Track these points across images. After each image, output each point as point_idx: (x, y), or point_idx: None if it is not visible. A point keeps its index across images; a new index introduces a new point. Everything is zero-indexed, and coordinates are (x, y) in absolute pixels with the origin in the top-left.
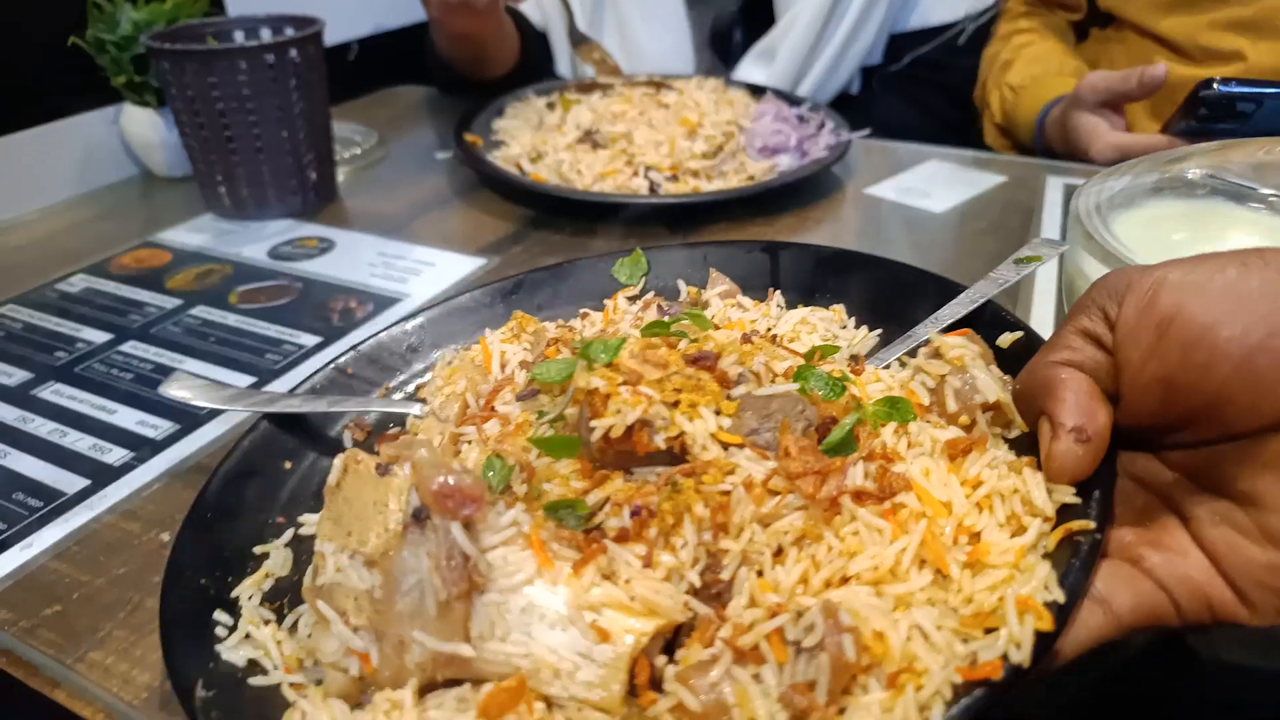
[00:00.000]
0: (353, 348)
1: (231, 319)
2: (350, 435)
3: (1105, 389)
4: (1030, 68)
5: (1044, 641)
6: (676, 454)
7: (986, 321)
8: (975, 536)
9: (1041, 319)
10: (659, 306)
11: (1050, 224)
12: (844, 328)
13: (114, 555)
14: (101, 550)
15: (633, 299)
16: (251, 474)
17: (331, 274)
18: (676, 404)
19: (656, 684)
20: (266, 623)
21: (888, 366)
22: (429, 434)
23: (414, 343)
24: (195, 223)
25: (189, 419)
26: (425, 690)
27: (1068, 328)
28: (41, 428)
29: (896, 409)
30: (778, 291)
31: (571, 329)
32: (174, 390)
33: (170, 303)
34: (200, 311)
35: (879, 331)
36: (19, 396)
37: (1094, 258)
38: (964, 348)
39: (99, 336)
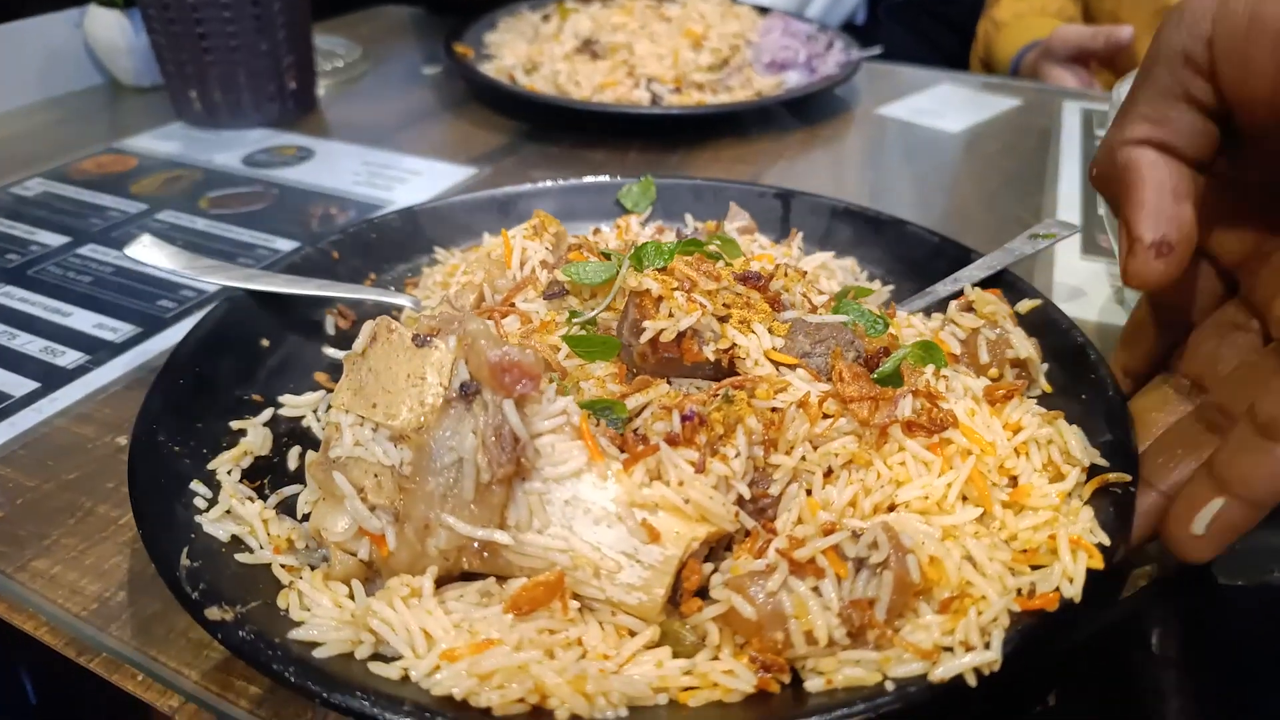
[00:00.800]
0: (341, 231)
1: (201, 223)
2: (334, 321)
3: (1203, 158)
4: (1016, 4)
5: (1093, 580)
6: (723, 368)
7: (1004, 288)
8: (1013, 480)
9: (1061, 295)
10: (678, 232)
11: (1070, 146)
12: (855, 279)
13: (64, 459)
14: (50, 454)
15: (643, 225)
16: (228, 345)
17: (311, 181)
18: (727, 318)
19: (702, 592)
20: (250, 499)
21: (912, 315)
22: None
23: (407, 235)
24: (164, 130)
25: (152, 321)
26: (442, 583)
27: (1145, 90)
28: None
29: (930, 354)
30: (800, 233)
31: (589, 240)
32: (140, 251)
33: (134, 207)
34: (167, 216)
35: (891, 288)
36: None
37: None
38: (997, 304)
39: (55, 240)
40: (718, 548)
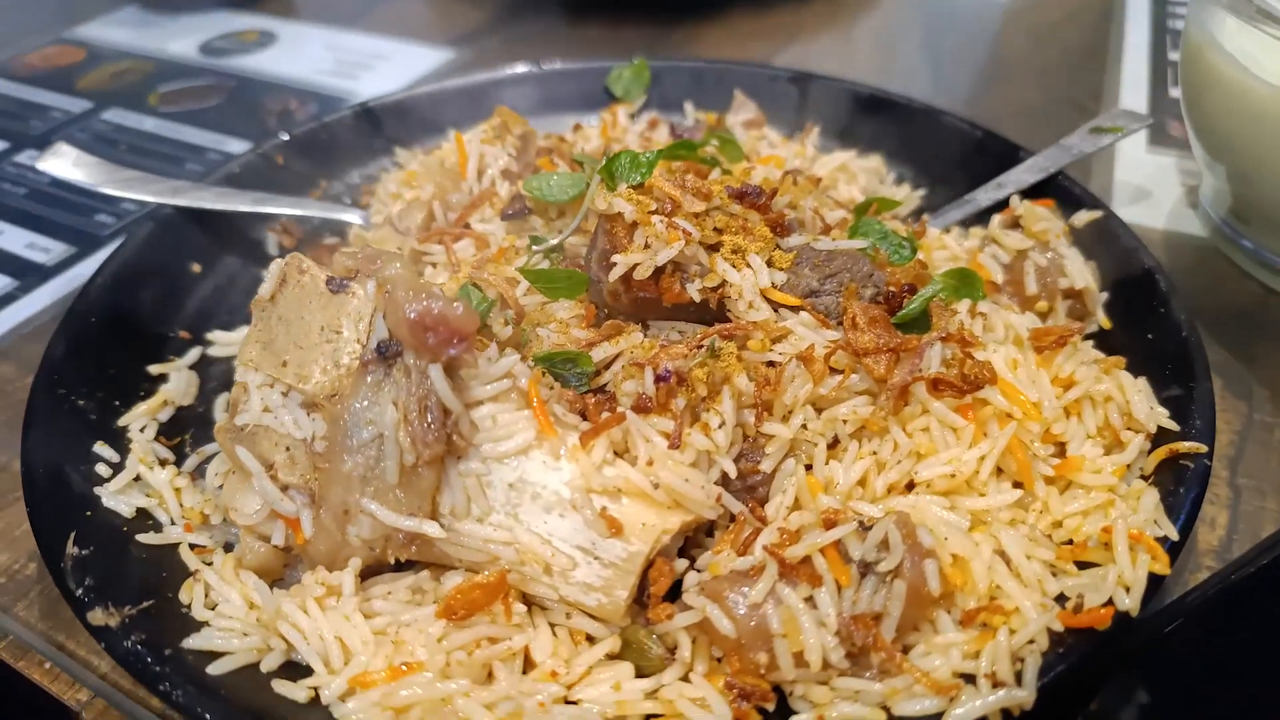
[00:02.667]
0: (288, 133)
1: (149, 123)
2: (277, 240)
3: None
4: None
5: (1154, 586)
6: (712, 309)
7: (1059, 196)
8: (1061, 448)
9: (1123, 198)
10: (671, 126)
11: (1137, 17)
12: (881, 182)
13: None
14: None
15: (633, 116)
16: (149, 273)
17: (271, 71)
18: (717, 247)
19: (677, 589)
20: (163, 463)
21: (947, 231)
22: (383, 247)
23: (363, 135)
24: (117, 15)
25: (87, 240)
26: (372, 573)
27: None
28: None
29: (967, 284)
30: (816, 128)
31: (565, 140)
32: (53, 164)
33: (79, 105)
34: (113, 115)
35: (923, 192)
36: None
37: (1235, 15)
38: (1050, 220)
39: None
40: (698, 533)
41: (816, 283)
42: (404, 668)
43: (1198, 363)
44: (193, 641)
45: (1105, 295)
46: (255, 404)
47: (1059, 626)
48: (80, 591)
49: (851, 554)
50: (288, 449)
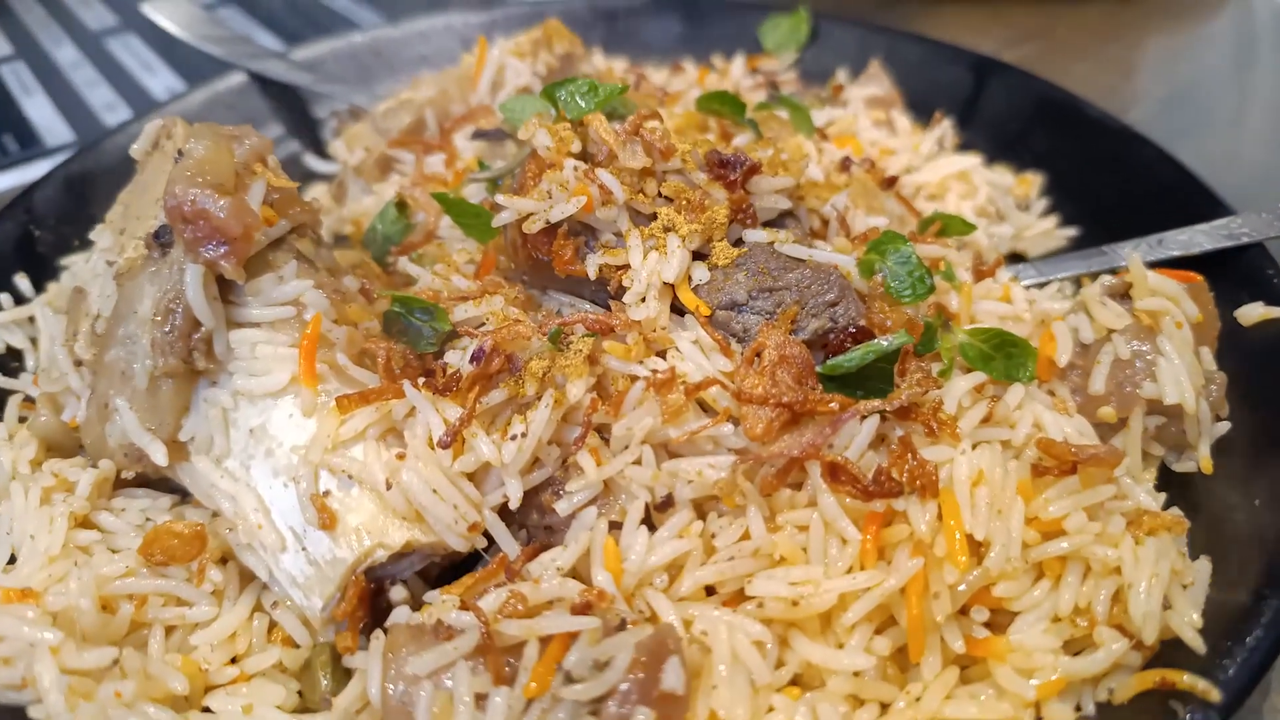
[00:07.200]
0: (395, 26)
1: (340, 2)
2: (335, 125)
3: None
4: None
5: None
6: (611, 294)
7: (1236, 276)
8: (1003, 616)
9: None
10: (773, 85)
11: None
12: (1025, 208)
13: None
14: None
15: (755, 70)
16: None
17: None
18: (652, 218)
19: (382, 617)
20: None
21: (1044, 285)
22: (352, 144)
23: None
24: None
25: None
26: (130, 484)
27: None
28: (81, 75)
29: (1005, 355)
30: (947, 119)
31: (645, 78)
32: (155, 11)
33: None
34: None
35: (1072, 233)
36: (89, 41)
37: None
38: (1175, 299)
39: None
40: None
41: (745, 294)
42: (21, 592)
43: None
44: None
45: (1225, 426)
46: (89, 266)
47: None
48: None
49: (570, 660)
50: (93, 321)
